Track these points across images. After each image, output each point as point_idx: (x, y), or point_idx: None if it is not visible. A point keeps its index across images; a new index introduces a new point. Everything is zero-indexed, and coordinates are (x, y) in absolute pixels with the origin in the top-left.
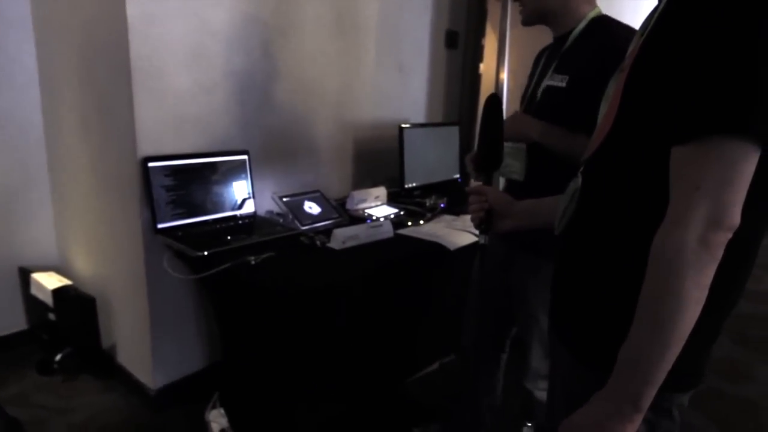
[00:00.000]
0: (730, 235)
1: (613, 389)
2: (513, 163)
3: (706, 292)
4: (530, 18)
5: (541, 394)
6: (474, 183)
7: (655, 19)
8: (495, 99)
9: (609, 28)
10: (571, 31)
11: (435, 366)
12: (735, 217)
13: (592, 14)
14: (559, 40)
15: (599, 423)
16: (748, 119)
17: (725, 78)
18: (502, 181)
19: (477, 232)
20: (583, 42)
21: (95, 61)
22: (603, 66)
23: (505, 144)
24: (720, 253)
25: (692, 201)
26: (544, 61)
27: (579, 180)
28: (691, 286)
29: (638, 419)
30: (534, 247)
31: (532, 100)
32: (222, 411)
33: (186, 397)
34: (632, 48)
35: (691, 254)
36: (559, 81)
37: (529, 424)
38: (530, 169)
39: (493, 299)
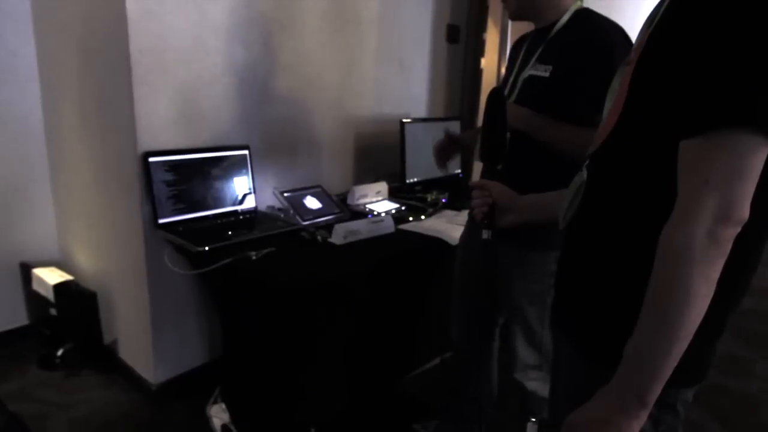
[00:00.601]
0: (738, 229)
1: (619, 384)
2: None
3: (713, 287)
4: (517, 12)
5: (532, 385)
6: (476, 177)
7: (662, 11)
8: (499, 92)
9: (593, 20)
10: (554, 23)
11: (436, 361)
12: (744, 211)
13: (574, 7)
14: (542, 31)
15: (605, 418)
16: (757, 112)
17: (734, 71)
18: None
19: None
20: (568, 33)
21: (95, 56)
22: (587, 57)
23: None
24: (728, 247)
25: (701, 194)
26: (525, 50)
27: (584, 174)
28: (699, 280)
29: (644, 415)
30: (516, 237)
31: (512, 89)
32: (223, 406)
33: (187, 392)
34: (638, 41)
35: (700, 248)
36: (542, 71)
37: (534, 419)
38: (510, 159)
39: (478, 289)
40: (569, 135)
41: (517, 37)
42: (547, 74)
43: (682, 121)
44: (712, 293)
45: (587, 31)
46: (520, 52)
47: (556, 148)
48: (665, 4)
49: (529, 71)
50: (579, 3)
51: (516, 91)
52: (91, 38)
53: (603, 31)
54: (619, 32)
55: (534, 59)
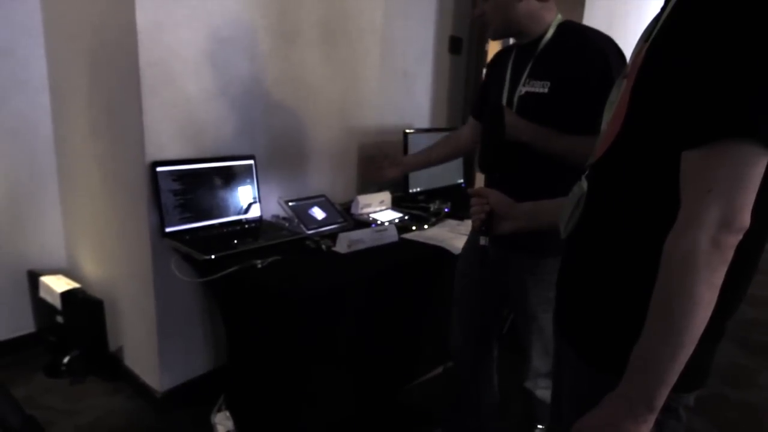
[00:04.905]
0: (740, 237)
1: (626, 390)
2: None
3: (717, 293)
4: (498, 31)
5: (542, 393)
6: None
7: (660, 24)
8: (499, 105)
9: (581, 31)
10: (539, 39)
11: (438, 370)
12: (746, 219)
13: (556, 21)
14: (527, 47)
15: (613, 424)
16: (758, 123)
17: (735, 82)
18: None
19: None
20: (558, 47)
21: (105, 67)
22: (584, 68)
23: None
24: (731, 254)
25: (704, 203)
26: (512, 67)
27: (584, 184)
28: (704, 287)
29: (651, 420)
30: (528, 247)
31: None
32: (228, 414)
33: (192, 400)
34: (635, 53)
35: (704, 255)
36: (540, 87)
37: (541, 426)
38: (513, 167)
39: (483, 300)
40: (573, 144)
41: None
42: (546, 90)
43: (684, 132)
44: (715, 299)
45: (579, 43)
46: (506, 68)
47: (560, 158)
48: (663, 17)
49: (524, 88)
50: (559, 17)
51: (513, 109)
52: (101, 50)
53: (593, 41)
54: (607, 40)
55: (526, 76)
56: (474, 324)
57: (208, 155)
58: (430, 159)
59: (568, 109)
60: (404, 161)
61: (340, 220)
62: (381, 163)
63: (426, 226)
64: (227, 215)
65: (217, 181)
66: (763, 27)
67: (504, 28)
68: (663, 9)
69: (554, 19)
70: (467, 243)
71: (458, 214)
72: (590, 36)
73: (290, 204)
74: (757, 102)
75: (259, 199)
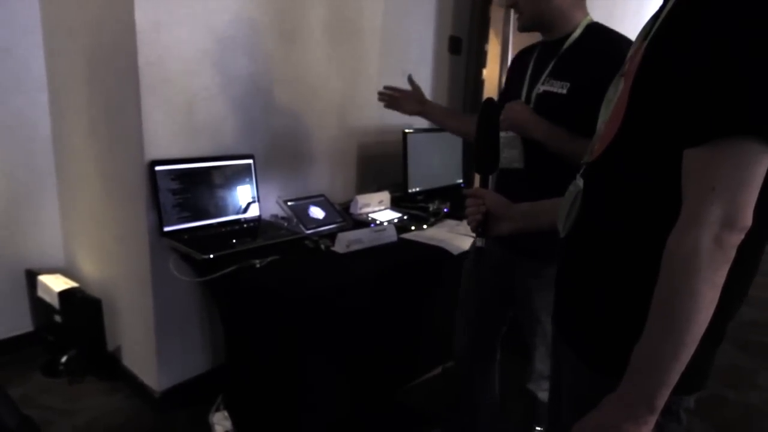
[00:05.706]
0: (742, 236)
1: (627, 391)
2: (511, 153)
3: (719, 293)
4: (527, 24)
5: (545, 395)
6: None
7: (660, 22)
8: (492, 103)
9: (609, 35)
10: (565, 37)
11: (437, 371)
12: (748, 218)
13: (585, 21)
14: (552, 44)
15: (613, 425)
16: (762, 121)
17: (738, 79)
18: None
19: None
20: (582, 48)
21: (104, 67)
22: (605, 73)
23: (500, 134)
24: (733, 253)
25: (707, 201)
26: (534, 64)
27: (580, 182)
28: (706, 285)
29: (652, 420)
30: (535, 251)
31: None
32: (226, 414)
33: (190, 400)
34: (633, 52)
35: (707, 253)
36: (558, 87)
37: (539, 428)
38: (528, 155)
39: (487, 302)
40: (585, 147)
41: (518, 48)
42: (564, 91)
43: (686, 130)
44: (717, 299)
45: (603, 46)
46: (528, 65)
47: (569, 159)
48: (662, 16)
49: (543, 87)
50: (589, 17)
51: (531, 107)
52: (100, 49)
53: (620, 46)
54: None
55: (546, 74)
56: (474, 324)
57: (207, 154)
58: (447, 122)
59: (584, 112)
60: (428, 104)
61: (339, 219)
62: (405, 93)
63: (425, 226)
64: (226, 215)
65: (216, 181)
66: (766, 23)
67: (534, 20)
68: (662, 7)
69: (584, 18)
70: (473, 243)
71: (457, 214)
72: (615, 41)
73: (289, 203)
74: (761, 100)
75: (258, 199)
